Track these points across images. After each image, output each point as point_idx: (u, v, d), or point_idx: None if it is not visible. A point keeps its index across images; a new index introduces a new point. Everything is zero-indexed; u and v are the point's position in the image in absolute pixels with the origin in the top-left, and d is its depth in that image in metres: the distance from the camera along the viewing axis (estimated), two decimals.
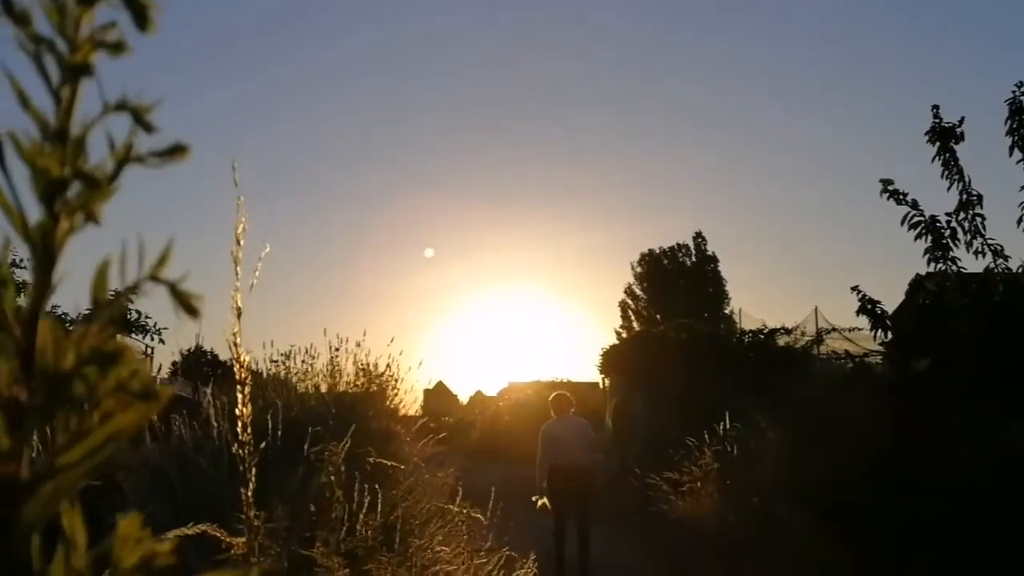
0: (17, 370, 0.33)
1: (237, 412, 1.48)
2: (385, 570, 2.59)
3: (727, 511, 7.41)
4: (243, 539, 1.56)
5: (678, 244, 36.39)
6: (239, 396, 1.50)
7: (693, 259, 36.07)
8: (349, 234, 47.92)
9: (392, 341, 7.07)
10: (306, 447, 3.89)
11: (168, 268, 0.35)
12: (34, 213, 0.34)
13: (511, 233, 53.73)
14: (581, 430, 7.15)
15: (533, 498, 6.91)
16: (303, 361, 6.96)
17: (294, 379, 6.88)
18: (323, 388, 6.76)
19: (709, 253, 36.04)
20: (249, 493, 1.51)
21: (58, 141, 0.33)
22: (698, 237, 36.40)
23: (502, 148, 48.52)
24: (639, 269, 36.30)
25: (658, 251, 36.34)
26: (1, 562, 0.31)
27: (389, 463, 4.40)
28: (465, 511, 4.56)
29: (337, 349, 6.88)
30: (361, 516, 3.46)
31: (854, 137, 42.98)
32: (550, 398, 7.49)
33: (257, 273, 1.71)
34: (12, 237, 0.34)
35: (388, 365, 6.95)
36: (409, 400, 7.33)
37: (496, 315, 52.61)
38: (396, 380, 7.02)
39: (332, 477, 3.42)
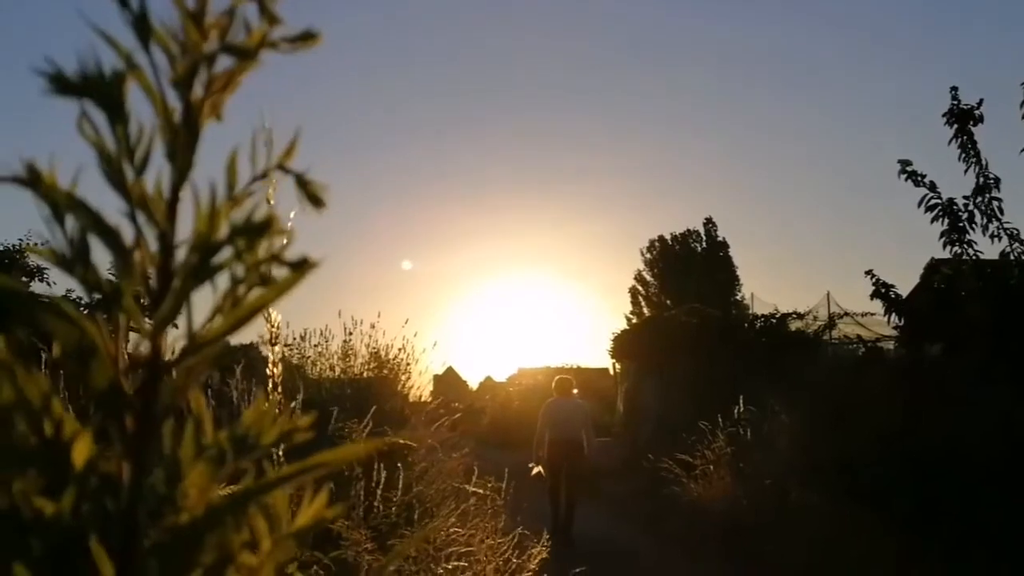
0: (161, 247, 0.33)
1: (267, 372, 1.49)
2: (410, 544, 2.62)
3: (740, 494, 7.40)
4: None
5: (688, 230, 36.19)
6: (270, 355, 1.50)
7: (704, 245, 35.86)
8: (353, 223, 47.78)
9: (407, 323, 7.08)
10: (330, 426, 3.91)
11: (295, 159, 0.36)
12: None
13: (521, 219, 53.70)
14: (578, 409, 7.95)
15: (529, 465, 7.72)
16: (316, 345, 6.99)
17: (308, 364, 6.90)
18: (336, 371, 6.79)
19: (720, 239, 35.80)
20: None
21: (199, 20, 0.33)
22: (709, 223, 36.17)
23: (508, 134, 48.40)
24: (649, 255, 36.15)
25: (668, 237, 36.18)
26: (138, 444, 0.32)
27: (403, 440, 4.43)
28: (489, 485, 4.60)
29: (351, 333, 6.89)
30: (379, 493, 3.49)
31: (866, 122, 42.69)
32: (554, 380, 8.34)
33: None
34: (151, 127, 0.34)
35: (402, 347, 6.96)
36: (423, 383, 7.36)
37: (505, 301, 52.61)
38: (408, 364, 7.04)
39: None
